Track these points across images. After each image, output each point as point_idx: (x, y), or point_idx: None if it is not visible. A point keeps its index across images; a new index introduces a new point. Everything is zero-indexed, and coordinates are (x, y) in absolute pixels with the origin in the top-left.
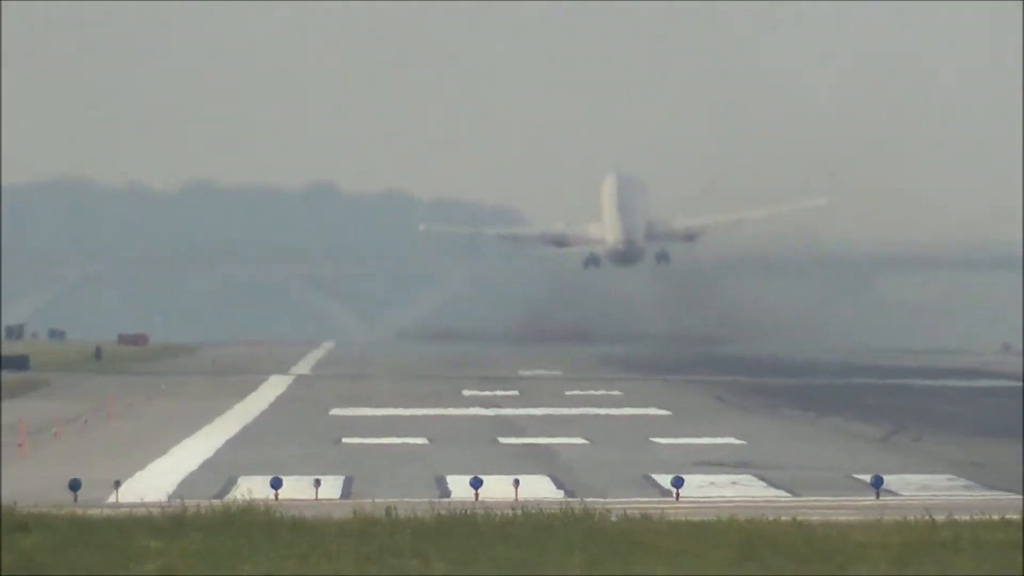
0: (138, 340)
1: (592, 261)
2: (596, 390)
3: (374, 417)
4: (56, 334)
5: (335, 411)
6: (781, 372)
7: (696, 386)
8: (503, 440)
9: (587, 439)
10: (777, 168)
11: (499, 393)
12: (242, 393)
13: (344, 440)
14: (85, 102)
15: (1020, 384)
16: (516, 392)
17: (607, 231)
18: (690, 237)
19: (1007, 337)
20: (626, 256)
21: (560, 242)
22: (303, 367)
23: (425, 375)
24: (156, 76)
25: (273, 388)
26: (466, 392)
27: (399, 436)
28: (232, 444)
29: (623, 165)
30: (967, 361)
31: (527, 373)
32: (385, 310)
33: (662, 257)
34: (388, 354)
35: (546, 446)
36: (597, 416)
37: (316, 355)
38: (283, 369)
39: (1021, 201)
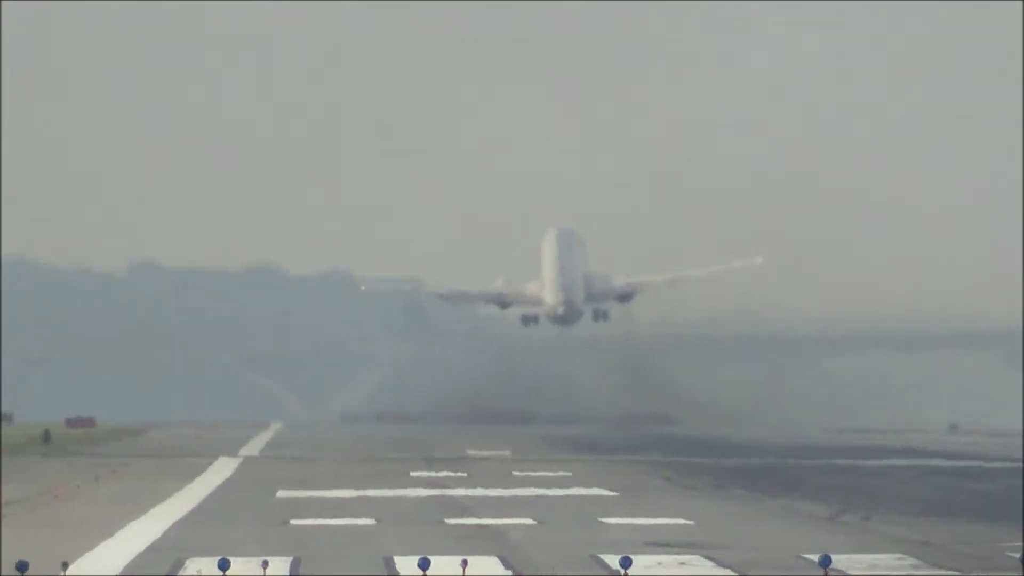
0: (86, 423)
1: (531, 319)
2: (544, 471)
3: (322, 499)
4: (3, 417)
5: (283, 493)
6: (728, 452)
7: (643, 466)
8: (450, 521)
9: (535, 519)
10: (717, 227)
11: (446, 474)
12: (190, 475)
13: (292, 521)
14: (29, 184)
15: (968, 463)
16: (463, 473)
17: (547, 291)
18: (626, 296)
19: (954, 417)
20: (565, 318)
21: (501, 301)
22: (251, 449)
23: (372, 456)
24: (100, 160)
25: (221, 470)
26: (413, 473)
27: (347, 517)
28: (180, 526)
29: (563, 220)
30: (915, 441)
31: (474, 453)
32: (330, 391)
33: (600, 315)
34: (335, 435)
35: (494, 526)
36: (545, 496)
37: (264, 437)
38: (231, 451)
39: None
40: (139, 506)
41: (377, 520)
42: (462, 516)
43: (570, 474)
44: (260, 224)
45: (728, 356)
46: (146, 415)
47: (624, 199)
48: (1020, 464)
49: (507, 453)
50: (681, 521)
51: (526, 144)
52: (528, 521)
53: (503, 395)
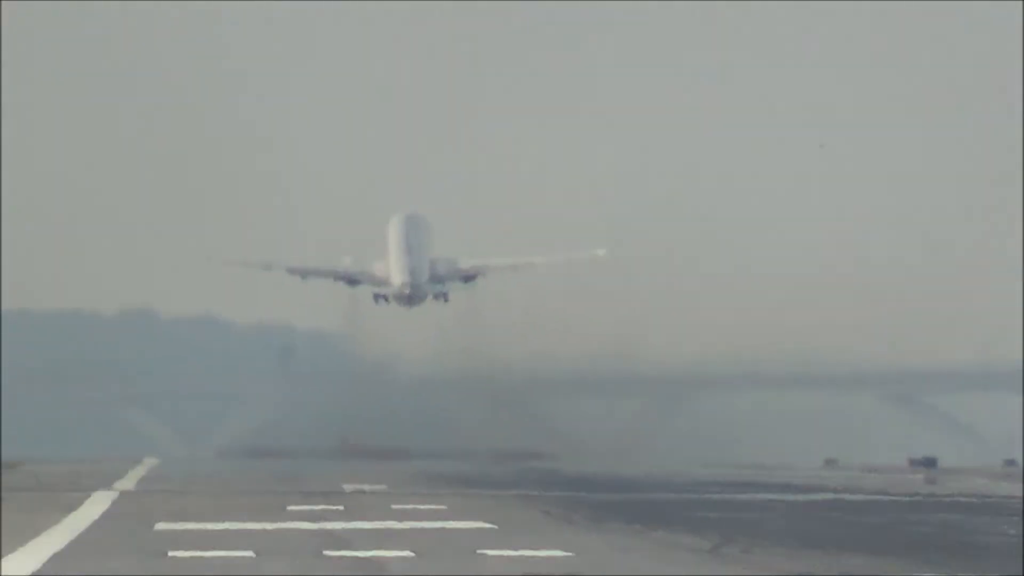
0: None
1: (381, 298)
2: (422, 504)
3: (200, 531)
4: None
5: (161, 525)
6: (606, 487)
7: (521, 500)
8: (329, 553)
9: (414, 551)
10: (566, 218)
11: (323, 507)
12: (66, 508)
13: (170, 553)
14: None
15: (849, 497)
16: (341, 507)
17: (393, 272)
18: (470, 277)
19: (830, 452)
20: (411, 299)
21: (349, 279)
22: (127, 483)
23: (249, 490)
24: None
25: (98, 504)
26: (290, 507)
27: (225, 549)
28: (58, 559)
29: (409, 204)
30: (790, 476)
31: (351, 488)
32: (205, 428)
33: (440, 295)
34: (211, 470)
35: (372, 559)
36: (423, 529)
37: (139, 471)
38: (107, 485)
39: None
40: (15, 540)
41: (256, 552)
42: (341, 548)
43: (447, 507)
44: (132, 267)
45: (604, 392)
46: (20, 452)
47: (474, 183)
48: (900, 498)
49: (383, 487)
50: (560, 553)
51: (379, 127)
52: (407, 553)
53: (376, 432)
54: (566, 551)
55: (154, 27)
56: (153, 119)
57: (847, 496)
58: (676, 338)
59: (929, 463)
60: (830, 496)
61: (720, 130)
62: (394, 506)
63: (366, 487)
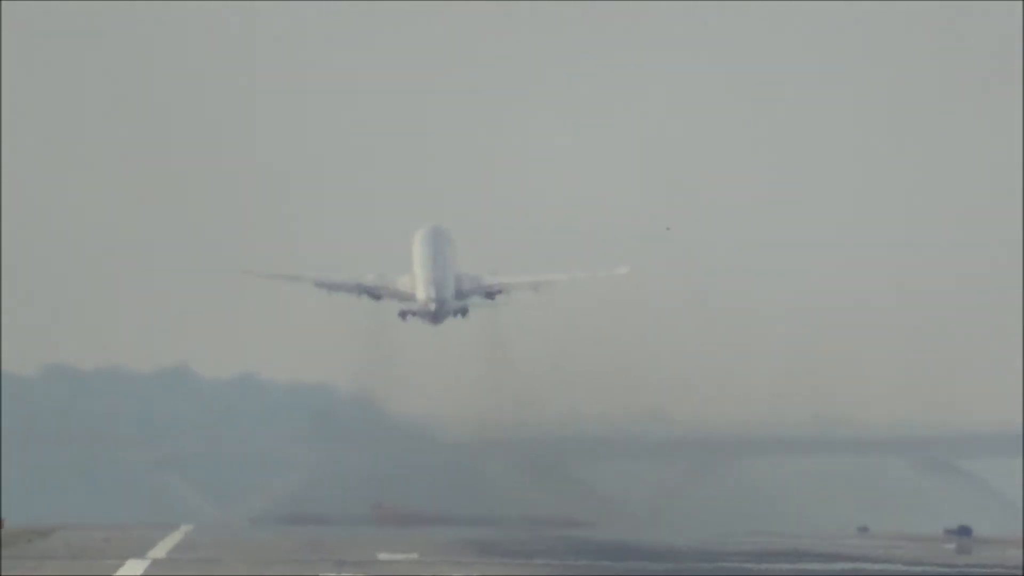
0: None
1: (407, 313)
2: (453, 573)
3: None
4: None
5: None
6: (639, 556)
7: (554, 570)
8: None
9: None
10: (589, 236)
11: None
12: None
13: None
14: None
15: (883, 568)
16: None
17: (418, 287)
18: (493, 293)
19: (863, 520)
20: (436, 315)
21: (373, 294)
22: (160, 551)
23: (281, 559)
24: (14, 260)
25: (131, 572)
26: (322, 575)
27: None
28: None
29: (433, 218)
30: (825, 545)
31: (384, 557)
32: (239, 493)
33: (459, 311)
34: (244, 538)
35: None
36: None
37: (173, 538)
38: (140, 553)
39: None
40: None
41: None
42: None
43: None
44: (171, 327)
45: (639, 455)
46: (54, 516)
47: (496, 199)
48: (934, 568)
49: (415, 556)
50: None
51: (401, 141)
52: None
53: (409, 496)
54: None
55: (174, 42)
56: (174, 142)
57: (878, 567)
58: (711, 401)
59: (964, 532)
60: (861, 566)
61: (750, 154)
62: (425, 575)
63: (398, 556)
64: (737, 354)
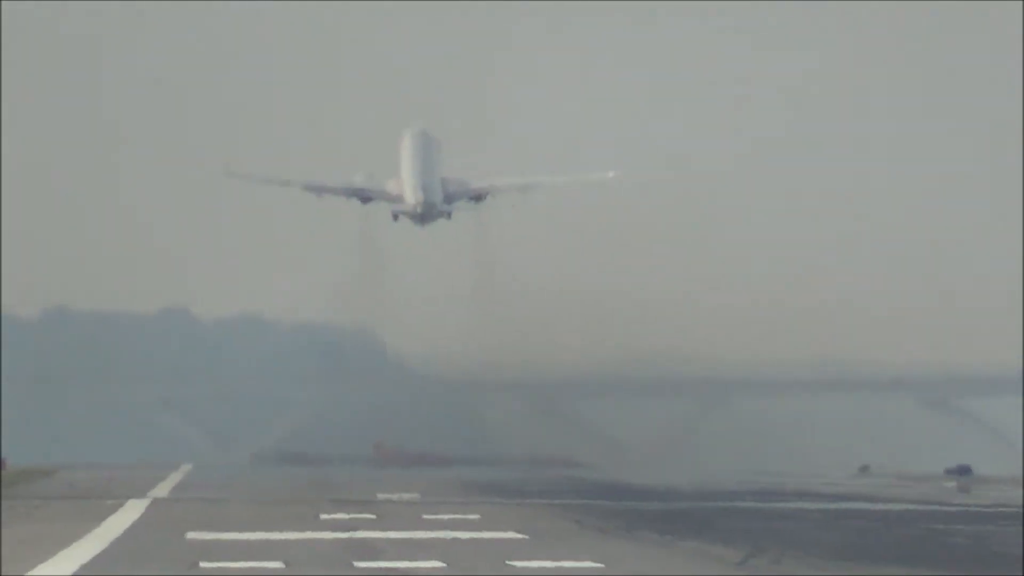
0: None
1: (398, 216)
2: (453, 513)
3: (231, 541)
4: None
5: (192, 535)
6: (639, 496)
7: (554, 510)
8: (359, 564)
9: (444, 562)
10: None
11: (356, 516)
12: (99, 517)
13: (201, 564)
14: None
15: (881, 507)
16: (373, 516)
17: (406, 190)
18: (480, 196)
19: (865, 458)
20: (424, 217)
21: (363, 196)
22: (160, 491)
23: (281, 499)
24: (8, 205)
25: (130, 512)
26: (323, 516)
27: (256, 560)
28: (88, 568)
29: (420, 121)
30: (824, 484)
31: (384, 496)
32: (241, 433)
33: (444, 213)
34: (245, 478)
35: (403, 569)
36: (454, 540)
37: (174, 479)
38: (140, 493)
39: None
40: (47, 549)
41: (286, 563)
42: (371, 559)
43: (480, 517)
44: (169, 268)
45: (639, 395)
46: (56, 457)
47: (484, 100)
48: (934, 507)
49: (416, 496)
50: (591, 564)
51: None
52: (438, 564)
53: (409, 436)
54: (597, 562)
55: None
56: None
57: (879, 506)
58: (715, 341)
59: (964, 471)
60: (861, 506)
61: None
62: (426, 515)
63: (398, 496)
64: (730, 285)
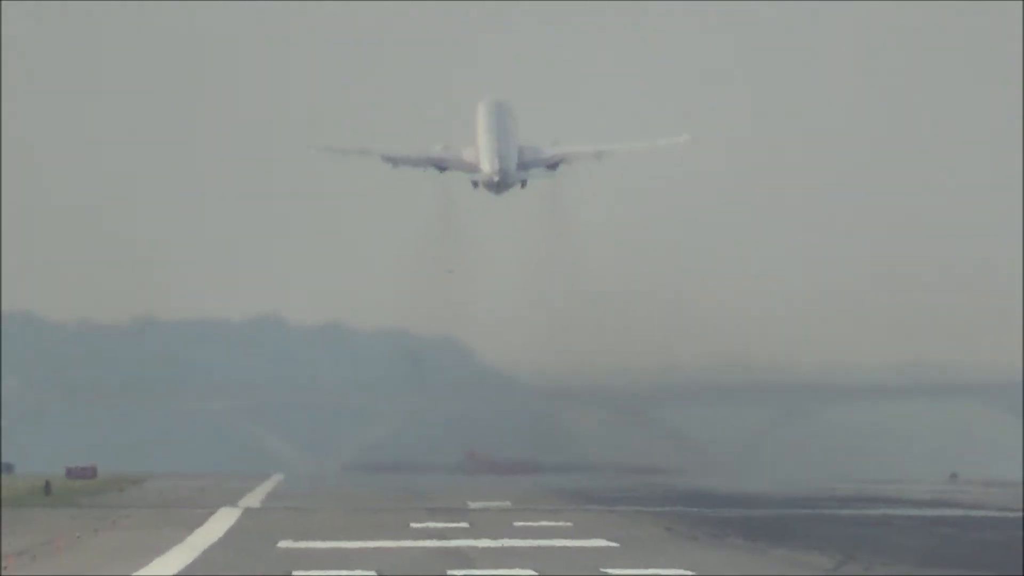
0: (86, 473)
1: (477, 184)
2: (545, 521)
3: (323, 550)
4: (4, 468)
5: (284, 543)
6: (728, 503)
7: (644, 517)
8: (453, 572)
9: (537, 571)
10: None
11: (448, 525)
12: (191, 526)
13: (294, 573)
14: (29, 239)
15: (970, 513)
16: (465, 524)
17: (482, 159)
18: (554, 164)
19: (956, 467)
20: (499, 186)
21: (440, 165)
22: (252, 500)
23: (373, 507)
24: (97, 216)
25: (222, 521)
26: (414, 524)
27: (348, 568)
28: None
29: (494, 91)
30: (915, 491)
31: (475, 505)
32: (331, 442)
33: (520, 182)
34: (335, 486)
35: None
36: (546, 547)
37: (265, 487)
38: (232, 501)
39: None
40: (139, 558)
41: (378, 571)
42: (463, 567)
43: (571, 524)
44: (260, 275)
45: (727, 401)
46: (147, 465)
47: (556, 71)
48: (1021, 514)
49: (508, 504)
50: (683, 572)
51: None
52: (530, 572)
53: (500, 444)
54: (688, 569)
55: None
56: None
57: (970, 512)
58: (800, 348)
59: None
60: (953, 512)
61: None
62: (517, 523)
63: (491, 503)
64: (832, 302)
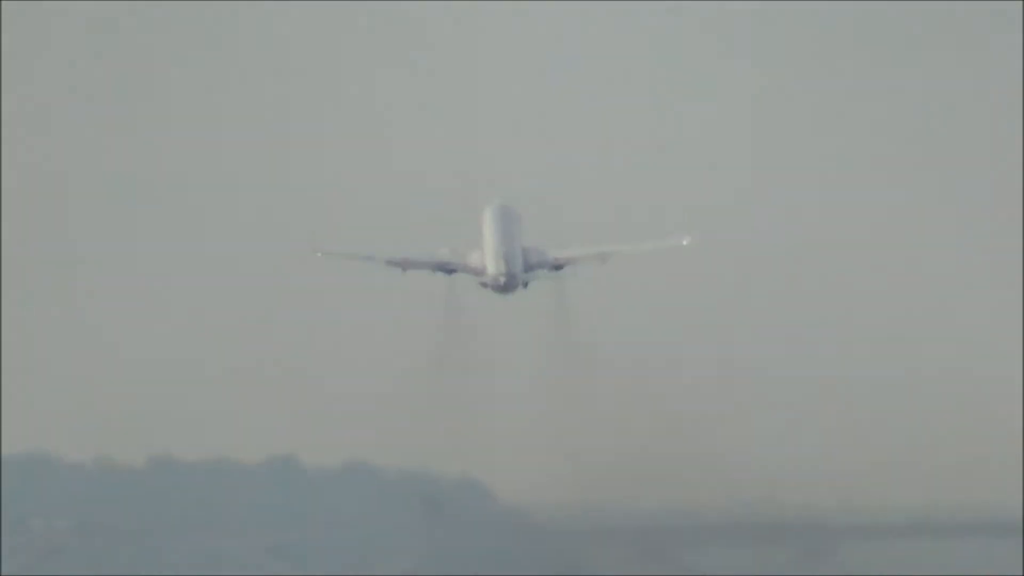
0: None
1: (484, 286)
2: None
3: None
4: None
5: None
6: None
7: None
8: None
9: None
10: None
11: None
12: None
13: None
14: (46, 380)
15: None
16: None
17: (488, 261)
18: (559, 266)
19: None
20: (505, 287)
21: (446, 268)
22: None
23: None
24: (116, 357)
25: None
26: None
27: None
28: None
29: (501, 196)
30: None
31: None
32: None
33: (522, 284)
34: None
35: None
36: None
37: None
38: None
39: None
40: None
41: None
42: None
43: None
44: (276, 416)
45: (748, 544)
46: None
47: (558, 176)
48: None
49: None
50: None
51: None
52: None
53: None
54: None
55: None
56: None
57: None
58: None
59: None
60: None
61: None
62: None
63: None
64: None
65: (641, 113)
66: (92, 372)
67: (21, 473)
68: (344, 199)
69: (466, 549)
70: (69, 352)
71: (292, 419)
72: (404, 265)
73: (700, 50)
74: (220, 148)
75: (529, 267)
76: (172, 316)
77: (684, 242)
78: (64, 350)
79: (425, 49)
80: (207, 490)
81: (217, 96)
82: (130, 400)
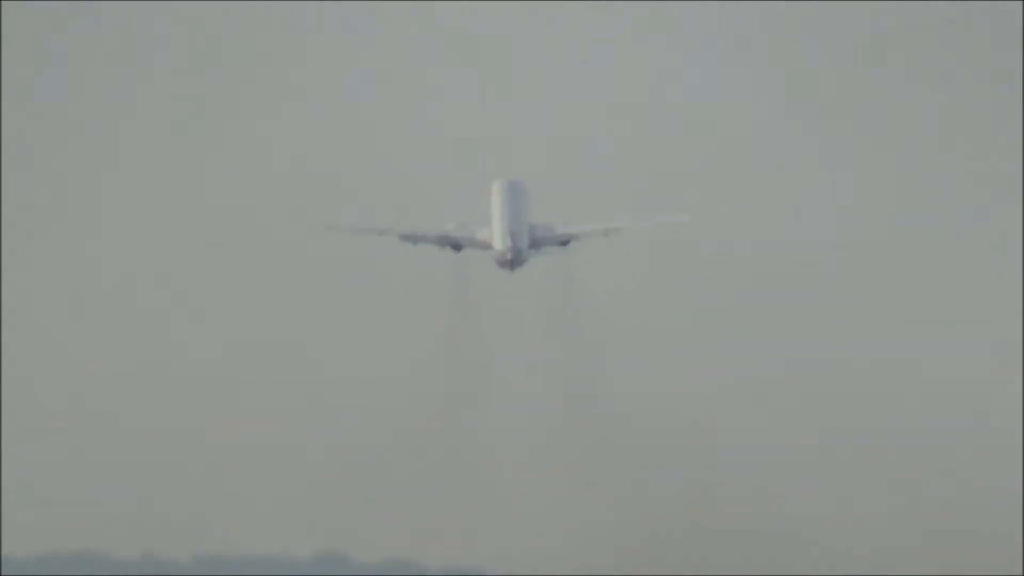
0: None
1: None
2: None
3: None
4: None
5: None
6: None
7: None
8: None
9: None
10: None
11: None
12: None
13: None
14: (90, 477)
15: None
16: None
17: (496, 237)
18: (565, 241)
19: None
20: (513, 263)
21: (455, 244)
22: None
23: None
24: (164, 452)
25: None
26: None
27: None
28: None
29: (509, 171)
30: None
31: None
32: None
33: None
34: None
35: None
36: None
37: None
38: None
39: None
40: None
41: None
42: None
43: None
44: (325, 511)
45: None
46: None
47: (569, 148)
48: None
49: None
50: None
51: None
52: None
53: None
54: None
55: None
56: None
57: None
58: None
59: None
60: None
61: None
62: None
63: None
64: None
65: (647, 98)
66: (138, 470)
67: (68, 570)
68: (356, 177)
69: None
70: (116, 451)
71: (340, 514)
72: (414, 239)
73: (707, 37)
74: (220, 147)
75: (536, 243)
76: (220, 417)
77: (685, 218)
78: (111, 447)
79: (432, 31)
80: None
81: (229, 82)
82: (173, 497)
